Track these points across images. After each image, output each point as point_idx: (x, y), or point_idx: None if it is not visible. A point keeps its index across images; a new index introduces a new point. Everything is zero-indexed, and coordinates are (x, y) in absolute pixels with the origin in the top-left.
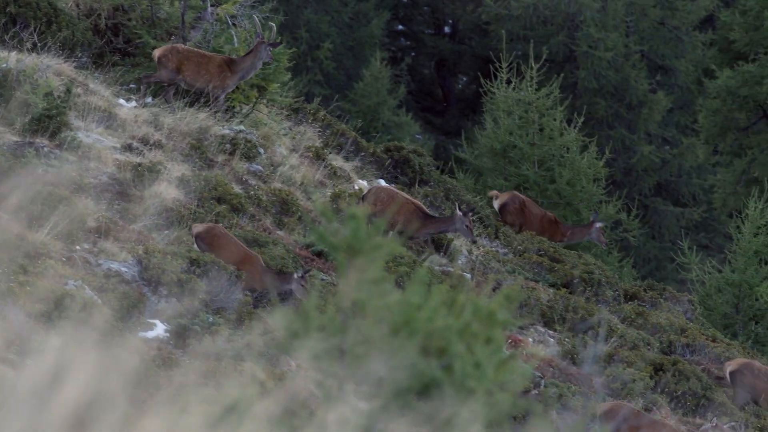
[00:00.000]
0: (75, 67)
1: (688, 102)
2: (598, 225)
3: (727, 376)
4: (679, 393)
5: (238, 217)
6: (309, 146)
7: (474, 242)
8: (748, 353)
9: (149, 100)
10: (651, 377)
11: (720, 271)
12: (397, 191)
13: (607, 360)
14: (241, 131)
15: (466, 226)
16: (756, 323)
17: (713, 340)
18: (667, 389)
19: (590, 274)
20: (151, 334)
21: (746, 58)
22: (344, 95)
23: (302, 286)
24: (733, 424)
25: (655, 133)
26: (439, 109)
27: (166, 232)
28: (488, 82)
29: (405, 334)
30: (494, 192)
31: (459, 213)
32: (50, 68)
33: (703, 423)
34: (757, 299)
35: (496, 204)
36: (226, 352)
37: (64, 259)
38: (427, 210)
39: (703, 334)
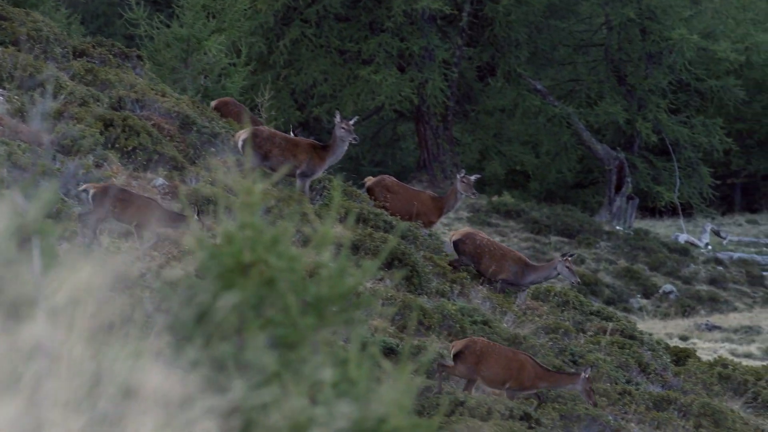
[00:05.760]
0: None
1: None
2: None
3: (451, 244)
4: (130, 148)
5: None
6: None
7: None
8: (198, 107)
9: None
10: (101, 133)
11: (168, 26)
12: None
13: (57, 117)
14: None
15: (567, 268)
16: (205, 77)
17: (163, 95)
18: (117, 145)
19: (38, 31)
20: None
21: None
22: None
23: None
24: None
25: None
26: None
27: None
28: None
29: None
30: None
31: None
32: None
33: (154, 178)
34: (205, 53)
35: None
36: None
37: None
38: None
39: (152, 90)
